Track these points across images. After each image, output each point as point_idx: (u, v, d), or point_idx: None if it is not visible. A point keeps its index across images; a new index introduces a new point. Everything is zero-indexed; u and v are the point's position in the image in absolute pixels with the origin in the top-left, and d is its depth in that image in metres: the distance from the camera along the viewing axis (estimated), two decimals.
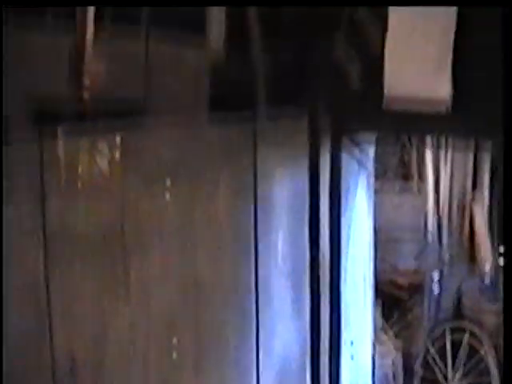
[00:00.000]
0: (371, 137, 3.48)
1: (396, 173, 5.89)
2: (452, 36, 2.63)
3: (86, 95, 2.78)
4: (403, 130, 3.01)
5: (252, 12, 3.30)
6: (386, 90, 2.84)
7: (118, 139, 2.70)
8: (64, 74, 2.80)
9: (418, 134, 3.14)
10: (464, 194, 5.87)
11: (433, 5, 2.69)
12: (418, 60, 2.75)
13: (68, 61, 2.81)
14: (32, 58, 2.88)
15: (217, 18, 3.34)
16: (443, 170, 5.73)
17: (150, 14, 4.07)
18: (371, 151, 3.68)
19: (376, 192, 4.33)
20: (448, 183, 5.83)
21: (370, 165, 3.70)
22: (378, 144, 3.69)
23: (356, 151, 3.40)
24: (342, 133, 3.16)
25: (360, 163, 3.48)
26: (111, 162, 2.71)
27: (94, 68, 2.80)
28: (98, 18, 2.94)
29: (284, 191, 3.34)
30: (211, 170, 3.01)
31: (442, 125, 2.78)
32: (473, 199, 5.86)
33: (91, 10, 2.83)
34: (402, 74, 2.80)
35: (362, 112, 3.02)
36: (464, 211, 5.91)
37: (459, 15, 2.61)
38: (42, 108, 2.80)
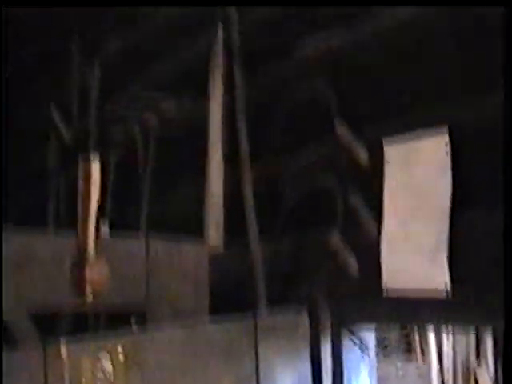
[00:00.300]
0: (371, 325, 3.51)
1: (398, 345, 5.89)
2: (447, 225, 2.69)
3: (88, 302, 2.82)
4: (403, 319, 3.03)
5: (249, 207, 3.42)
6: (384, 282, 2.89)
7: (120, 346, 2.72)
8: (66, 281, 2.84)
9: (418, 322, 3.16)
10: (468, 361, 5.85)
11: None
12: (414, 251, 2.80)
13: (70, 268, 2.86)
14: (34, 265, 2.93)
15: (215, 214, 3.45)
16: (446, 341, 5.75)
17: (149, 217, 4.20)
18: (372, 337, 3.71)
19: (379, 365, 4.30)
20: (451, 351, 5.82)
21: (372, 350, 3.71)
22: (378, 328, 3.72)
23: (357, 338, 3.41)
24: (342, 323, 3.19)
25: (361, 349, 3.49)
26: (114, 369, 2.71)
27: (96, 274, 2.84)
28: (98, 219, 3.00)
29: (286, 383, 3.34)
30: (213, 368, 3.01)
31: (441, 313, 2.80)
32: (477, 364, 5.83)
33: (93, 217, 2.90)
34: (399, 265, 2.85)
35: (361, 302, 3.05)
36: (469, 377, 5.87)
37: (454, 198, 2.69)
38: (44, 317, 2.82)
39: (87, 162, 2.89)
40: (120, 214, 4.68)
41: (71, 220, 2.97)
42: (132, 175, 4.61)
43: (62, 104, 6.01)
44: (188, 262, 3.11)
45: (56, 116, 5.92)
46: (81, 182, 2.90)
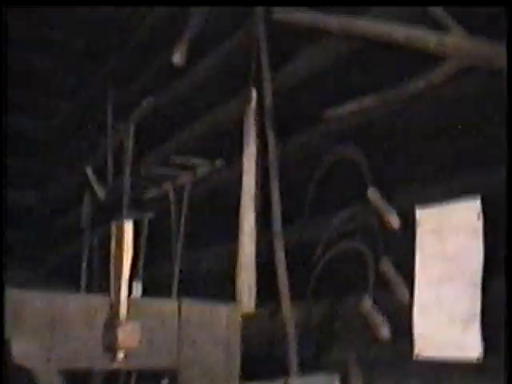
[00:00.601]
0: None
1: None
2: (479, 292, 2.68)
3: (119, 363, 2.83)
4: None
5: (282, 270, 3.43)
6: (415, 349, 2.87)
7: None
8: (98, 341, 2.85)
9: None
10: None
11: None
12: (446, 318, 2.79)
13: (102, 328, 2.87)
14: (66, 324, 2.95)
15: (247, 278, 3.47)
16: None
17: (181, 277, 4.21)
18: None
19: None
20: None
21: None
22: None
23: None
24: None
25: None
26: None
27: (128, 334, 2.85)
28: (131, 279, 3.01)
29: None
30: None
31: (473, 381, 2.77)
32: None
33: (125, 277, 2.92)
34: (431, 332, 2.84)
35: (392, 367, 3.03)
36: None
37: (486, 265, 2.68)
38: (76, 376, 2.83)
39: (120, 224, 2.92)
40: (153, 272, 4.72)
41: (104, 279, 2.99)
42: (165, 234, 4.65)
43: (96, 163, 6.10)
44: (220, 325, 3.11)
45: (91, 175, 6.00)
46: (114, 244, 2.93)
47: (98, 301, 2.95)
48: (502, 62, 2.59)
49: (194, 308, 3.11)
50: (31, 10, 7.10)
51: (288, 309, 3.36)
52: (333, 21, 3.36)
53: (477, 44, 2.76)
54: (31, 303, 2.86)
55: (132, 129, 5.26)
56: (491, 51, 2.70)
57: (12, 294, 2.83)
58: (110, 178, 5.71)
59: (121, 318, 2.84)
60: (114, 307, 2.86)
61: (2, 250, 6.13)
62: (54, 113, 7.83)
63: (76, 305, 2.97)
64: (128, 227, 2.88)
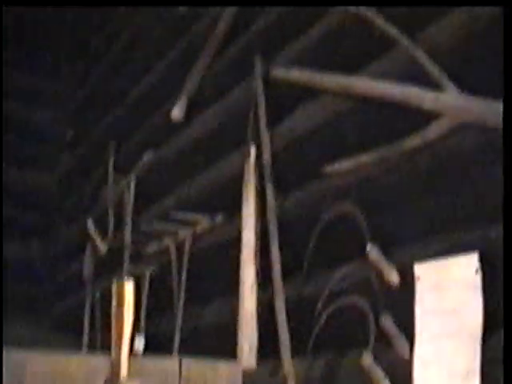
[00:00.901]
0: None
1: None
2: (479, 347, 2.68)
3: None
4: None
5: (282, 326, 3.44)
6: None
7: None
8: None
9: None
10: None
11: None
12: (446, 374, 2.78)
13: None
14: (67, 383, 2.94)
15: (248, 334, 3.48)
16: None
17: (182, 332, 4.22)
18: None
19: None
20: None
21: None
22: None
23: None
24: None
25: None
26: None
27: None
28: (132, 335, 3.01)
29: None
30: None
31: None
32: None
33: (127, 336, 2.92)
34: None
35: None
36: None
37: (486, 320, 2.68)
38: None
39: (121, 282, 2.93)
40: (154, 326, 4.72)
41: (106, 332, 3.00)
42: (166, 289, 4.66)
43: (97, 216, 6.12)
44: (221, 382, 3.11)
45: (92, 228, 6.02)
46: (115, 302, 2.93)
47: (98, 360, 2.96)
48: (498, 119, 2.63)
49: (194, 366, 3.11)
50: (31, 60, 7.20)
51: (289, 364, 3.37)
52: (330, 79, 3.41)
53: (471, 102, 2.80)
54: (32, 363, 2.87)
55: (133, 182, 5.31)
56: (486, 109, 2.74)
57: (12, 354, 2.83)
58: (110, 231, 5.73)
59: (121, 378, 2.84)
60: (115, 367, 2.87)
61: (2, 306, 6.12)
62: (54, 165, 7.88)
63: (77, 365, 2.98)
64: (129, 286, 2.89)
